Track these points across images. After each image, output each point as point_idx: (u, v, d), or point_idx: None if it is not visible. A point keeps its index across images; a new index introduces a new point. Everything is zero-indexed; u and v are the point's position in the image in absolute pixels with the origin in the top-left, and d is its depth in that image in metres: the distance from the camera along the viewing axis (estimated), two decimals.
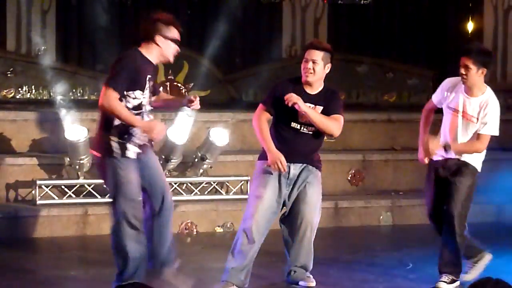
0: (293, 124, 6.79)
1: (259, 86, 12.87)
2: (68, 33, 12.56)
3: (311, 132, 6.82)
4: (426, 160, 7.08)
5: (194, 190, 9.91)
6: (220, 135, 9.91)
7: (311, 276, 7.05)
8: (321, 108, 6.82)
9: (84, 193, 9.56)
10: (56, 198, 9.43)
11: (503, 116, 12.46)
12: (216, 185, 10.04)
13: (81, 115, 10.00)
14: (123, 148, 6.26)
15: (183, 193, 9.87)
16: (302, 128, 6.79)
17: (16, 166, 9.66)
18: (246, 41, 13.05)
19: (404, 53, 13.51)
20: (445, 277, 7.02)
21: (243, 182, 10.01)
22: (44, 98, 11.92)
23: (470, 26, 13.51)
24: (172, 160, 9.83)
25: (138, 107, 6.29)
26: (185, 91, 12.82)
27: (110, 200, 6.48)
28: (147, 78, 6.31)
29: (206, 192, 9.99)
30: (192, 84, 12.80)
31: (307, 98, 6.79)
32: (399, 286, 7.29)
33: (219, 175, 10.12)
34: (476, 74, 7.01)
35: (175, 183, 9.86)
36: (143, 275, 6.37)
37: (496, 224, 10.28)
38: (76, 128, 9.55)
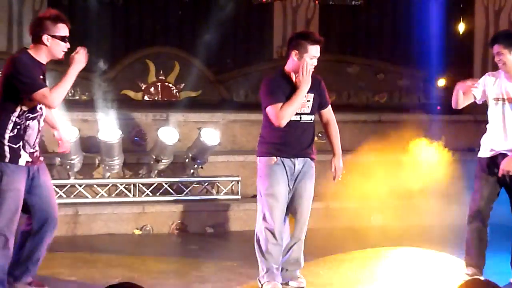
0: (293, 117, 6.76)
1: (250, 87, 12.87)
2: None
3: (310, 121, 6.85)
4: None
5: (185, 191, 9.90)
6: (211, 136, 9.91)
7: (301, 276, 7.03)
8: (312, 95, 6.82)
9: (75, 193, 9.55)
10: None
11: (483, 117, 12.55)
12: (207, 185, 10.03)
13: (72, 115, 9.96)
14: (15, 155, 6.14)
15: (173, 193, 9.86)
16: (301, 118, 6.79)
17: None
18: (237, 42, 13.05)
19: (395, 54, 13.52)
20: None
21: (234, 182, 10.00)
22: None
23: (461, 27, 13.53)
24: (162, 160, 9.83)
25: (35, 109, 6.18)
26: (176, 91, 12.81)
27: None
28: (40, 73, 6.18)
29: (197, 192, 9.98)
30: (183, 84, 12.79)
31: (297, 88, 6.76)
32: (389, 285, 7.29)
33: (209, 175, 10.11)
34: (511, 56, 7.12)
35: (166, 183, 9.85)
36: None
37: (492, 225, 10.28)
38: (66, 128, 9.52)
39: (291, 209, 6.90)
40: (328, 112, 7.03)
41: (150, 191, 9.80)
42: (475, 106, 12.86)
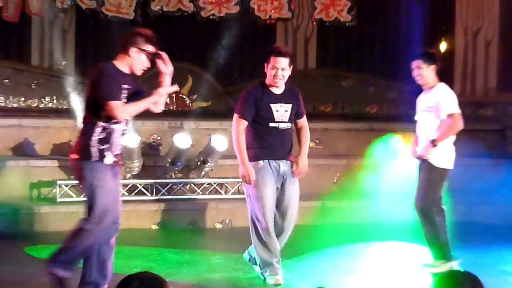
0: (272, 124, 6.74)
1: None
2: (86, 50, 12.56)
3: (287, 127, 6.82)
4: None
5: (196, 190, 9.91)
6: (220, 141, 9.91)
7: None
8: (290, 105, 6.80)
9: None
10: (74, 196, 9.42)
11: (472, 126, 12.53)
12: (216, 185, 10.03)
13: None
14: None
15: (187, 192, 9.86)
16: (279, 125, 6.76)
17: (39, 168, 9.66)
18: (244, 58, 13.05)
19: (384, 70, 13.50)
20: None
21: (240, 183, 9.99)
22: (64, 107, 11.90)
23: (443, 46, 13.53)
24: (177, 164, 9.84)
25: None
26: (189, 102, 12.81)
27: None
28: (123, 89, 6.02)
29: (207, 192, 9.98)
30: (196, 95, 12.80)
31: (275, 98, 6.79)
32: (380, 275, 7.28)
33: (219, 177, 10.11)
34: (427, 71, 7.46)
35: (180, 184, 9.86)
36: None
37: (467, 223, 10.28)
38: None
39: (282, 207, 6.83)
40: (303, 121, 7.03)
41: (165, 191, 9.80)
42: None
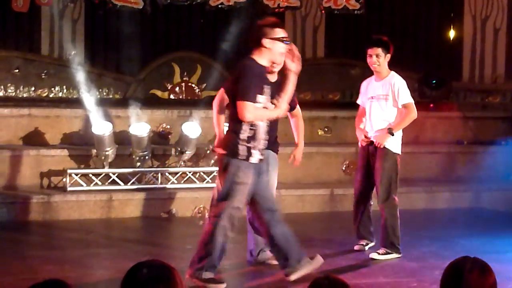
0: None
1: None
2: (95, 39, 12.55)
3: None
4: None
5: (206, 179, 9.89)
6: None
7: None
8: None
9: (109, 181, 9.56)
10: (84, 185, 9.43)
11: (480, 114, 12.51)
12: None
13: (106, 111, 9.99)
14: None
15: (196, 181, 9.85)
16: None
17: (49, 157, 9.67)
18: None
19: (392, 58, 13.44)
20: None
21: None
22: (74, 97, 11.90)
23: (451, 33, 13.46)
24: (186, 152, 9.82)
25: None
26: (198, 91, 12.80)
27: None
28: (264, 88, 6.14)
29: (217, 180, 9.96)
30: (205, 84, 12.78)
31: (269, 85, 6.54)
32: (389, 263, 7.26)
33: None
34: (385, 59, 7.54)
35: (189, 172, 9.85)
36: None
37: (473, 209, 10.26)
38: (101, 124, 9.54)
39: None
40: (296, 111, 7.09)
41: (175, 179, 9.80)
42: (464, 105, 12.87)
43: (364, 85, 7.76)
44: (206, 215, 9.49)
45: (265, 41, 6.15)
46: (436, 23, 13.51)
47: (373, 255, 7.30)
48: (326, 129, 11.10)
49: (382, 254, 7.33)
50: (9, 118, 10.13)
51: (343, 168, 10.62)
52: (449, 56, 13.49)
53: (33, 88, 12.16)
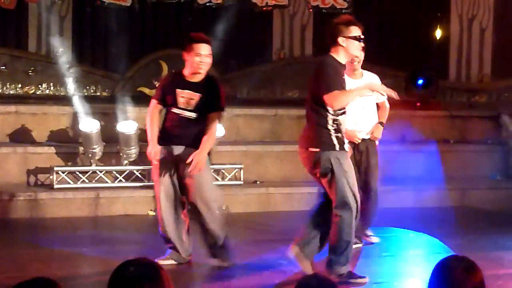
0: (175, 110, 6.71)
1: (252, 85, 12.85)
2: (83, 36, 12.50)
3: (191, 117, 6.70)
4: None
5: None
6: (217, 128, 9.85)
7: None
8: (199, 95, 6.69)
9: (96, 178, 9.53)
10: (71, 182, 9.39)
11: (467, 113, 12.53)
12: (213, 172, 9.98)
13: (94, 108, 9.96)
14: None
15: None
16: (185, 113, 6.69)
17: (36, 154, 9.63)
18: (241, 45, 13.00)
19: (379, 56, 13.45)
20: None
21: (237, 169, 9.97)
22: (61, 94, 11.86)
23: (438, 33, 13.48)
24: None
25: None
26: None
27: None
28: (343, 81, 6.32)
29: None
30: None
31: (190, 86, 6.72)
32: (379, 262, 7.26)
33: (215, 163, 10.07)
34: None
35: None
36: None
37: (459, 208, 10.29)
38: (89, 121, 9.51)
39: (184, 190, 6.84)
40: (210, 117, 6.76)
41: None
42: (450, 104, 12.90)
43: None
44: None
45: (340, 39, 6.29)
46: (423, 23, 13.53)
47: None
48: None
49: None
50: None
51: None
52: (436, 56, 13.51)
53: (20, 85, 12.10)
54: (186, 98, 6.72)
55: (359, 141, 7.59)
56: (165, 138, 6.82)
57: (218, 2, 12.35)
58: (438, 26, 13.52)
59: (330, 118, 6.19)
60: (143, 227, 8.89)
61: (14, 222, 8.74)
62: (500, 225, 9.19)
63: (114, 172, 9.67)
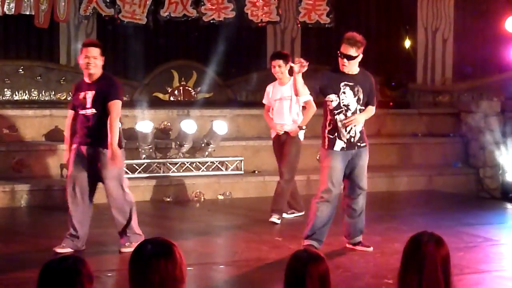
0: (82, 111, 6.41)
1: (249, 89, 12.86)
2: (106, 50, 12.35)
3: (93, 114, 6.36)
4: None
5: (201, 168, 9.86)
6: (221, 126, 9.86)
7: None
8: (93, 93, 6.39)
9: None
10: None
11: (432, 110, 12.51)
12: (218, 163, 9.98)
13: None
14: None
15: (193, 170, 9.82)
16: (86, 112, 6.38)
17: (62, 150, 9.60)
18: (240, 55, 12.99)
19: (358, 63, 13.44)
20: None
21: (238, 161, 9.96)
22: None
23: (407, 43, 13.46)
24: (185, 145, 9.79)
25: (338, 107, 6.40)
26: (194, 93, 12.74)
27: None
28: (341, 85, 6.44)
29: (211, 169, 9.94)
30: (199, 88, 12.73)
31: (87, 86, 6.43)
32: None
33: (220, 156, 10.07)
34: (285, 69, 7.82)
35: (187, 163, 9.81)
36: None
37: (426, 191, 10.28)
38: None
39: (93, 186, 6.57)
40: (108, 108, 6.36)
41: (175, 168, 9.76)
42: (418, 103, 12.87)
43: (269, 89, 8.02)
44: (202, 198, 9.48)
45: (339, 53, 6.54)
46: (395, 34, 13.50)
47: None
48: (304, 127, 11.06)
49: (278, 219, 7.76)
50: (33, 118, 10.05)
51: (317, 158, 10.58)
52: (406, 62, 13.49)
53: (53, 92, 12.11)
54: (82, 97, 6.39)
55: (280, 132, 7.84)
56: (77, 137, 6.47)
57: (220, 19, 12.32)
58: (407, 37, 13.49)
59: (328, 119, 6.47)
60: (159, 211, 8.88)
61: (49, 208, 8.71)
62: (461, 206, 9.20)
63: (134, 165, 9.65)
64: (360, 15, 13.61)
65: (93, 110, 6.38)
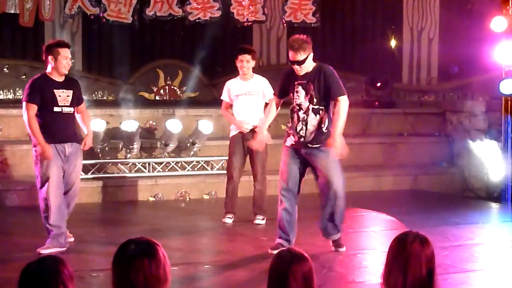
0: (56, 109, 6.49)
1: None
2: (91, 49, 12.43)
3: (70, 112, 6.57)
4: None
5: (187, 167, 9.84)
6: (206, 126, 9.84)
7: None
8: (71, 91, 6.58)
9: (103, 170, 9.47)
10: (83, 173, 9.30)
11: (418, 110, 12.55)
12: (204, 163, 9.97)
13: (101, 111, 9.89)
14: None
15: (178, 169, 9.79)
16: (63, 109, 6.51)
17: None
18: (226, 55, 12.93)
19: (343, 62, 13.45)
20: None
21: (223, 160, 9.93)
22: None
23: (393, 42, 13.50)
24: (170, 145, 9.76)
25: (293, 105, 6.39)
26: (180, 93, 12.72)
27: None
28: (295, 84, 6.35)
29: (196, 168, 9.92)
30: (185, 87, 12.71)
31: (58, 85, 6.55)
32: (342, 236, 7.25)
33: (205, 155, 10.05)
34: (252, 64, 7.79)
35: (173, 162, 9.78)
36: None
37: (412, 191, 10.32)
38: (97, 122, 9.44)
39: (68, 184, 6.62)
40: (82, 107, 6.78)
41: (160, 168, 9.73)
42: (404, 103, 12.90)
43: (230, 85, 7.95)
44: (187, 198, 9.45)
45: None
46: (380, 34, 13.54)
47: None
48: (288, 124, 11.06)
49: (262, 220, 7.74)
50: (17, 117, 9.92)
51: None
52: (391, 62, 13.52)
53: None
54: (63, 96, 6.57)
55: (247, 130, 7.74)
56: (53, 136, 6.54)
57: (206, 19, 12.29)
58: (393, 37, 13.53)
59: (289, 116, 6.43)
60: (144, 211, 8.86)
61: (34, 208, 8.64)
62: (446, 205, 9.23)
63: (119, 164, 9.62)
64: (345, 14, 13.64)
65: (71, 109, 6.62)
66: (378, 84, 12.45)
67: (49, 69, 6.63)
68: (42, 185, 6.50)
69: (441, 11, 13.60)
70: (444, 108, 11.65)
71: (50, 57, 6.59)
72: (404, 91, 13.62)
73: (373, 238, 7.20)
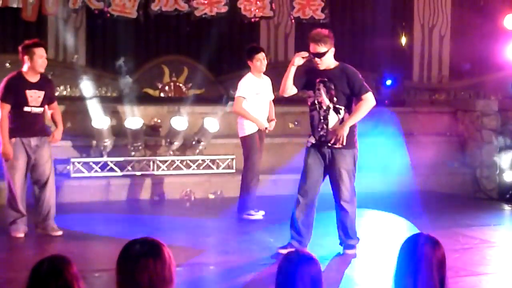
0: (26, 108, 6.90)
1: None
2: (95, 44, 12.44)
3: (40, 112, 6.98)
4: None
5: (192, 166, 9.84)
6: (212, 124, 9.85)
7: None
8: (43, 92, 6.97)
9: (107, 168, 9.48)
10: (86, 172, 9.35)
11: (428, 109, 12.54)
12: (209, 161, 9.97)
13: (105, 108, 9.90)
14: None
15: (183, 168, 9.80)
16: (32, 110, 6.92)
17: (55, 147, 9.52)
18: (232, 51, 12.95)
19: (353, 59, 13.39)
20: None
21: (229, 159, 9.95)
22: (77, 95, 11.79)
23: (403, 39, 13.48)
24: (175, 143, 9.77)
25: (313, 104, 6.47)
26: (185, 90, 12.72)
27: None
28: (316, 82, 6.45)
29: (201, 167, 9.92)
30: (191, 84, 12.70)
31: (31, 85, 6.91)
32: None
33: (211, 154, 10.05)
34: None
35: (178, 160, 9.79)
36: None
37: (422, 191, 10.29)
38: (101, 118, 9.46)
39: (38, 174, 7.06)
40: (53, 105, 7.23)
41: (165, 166, 9.74)
42: (414, 101, 12.86)
43: (250, 81, 8.07)
44: (192, 197, 9.46)
45: None
46: (390, 31, 13.51)
47: None
48: (296, 123, 11.06)
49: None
50: None
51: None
52: (402, 59, 13.50)
53: None
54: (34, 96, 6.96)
55: (266, 127, 7.98)
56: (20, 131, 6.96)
57: (212, 14, 12.29)
58: (403, 34, 13.51)
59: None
60: (149, 210, 8.87)
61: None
62: (457, 206, 9.21)
63: (123, 163, 9.62)
64: (355, 10, 13.62)
65: (41, 109, 7.07)
66: (388, 82, 12.43)
67: (25, 68, 6.94)
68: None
69: (453, 7, 13.58)
70: (456, 107, 11.63)
71: (26, 57, 6.95)
72: (414, 89, 13.60)
73: (382, 240, 7.19)
